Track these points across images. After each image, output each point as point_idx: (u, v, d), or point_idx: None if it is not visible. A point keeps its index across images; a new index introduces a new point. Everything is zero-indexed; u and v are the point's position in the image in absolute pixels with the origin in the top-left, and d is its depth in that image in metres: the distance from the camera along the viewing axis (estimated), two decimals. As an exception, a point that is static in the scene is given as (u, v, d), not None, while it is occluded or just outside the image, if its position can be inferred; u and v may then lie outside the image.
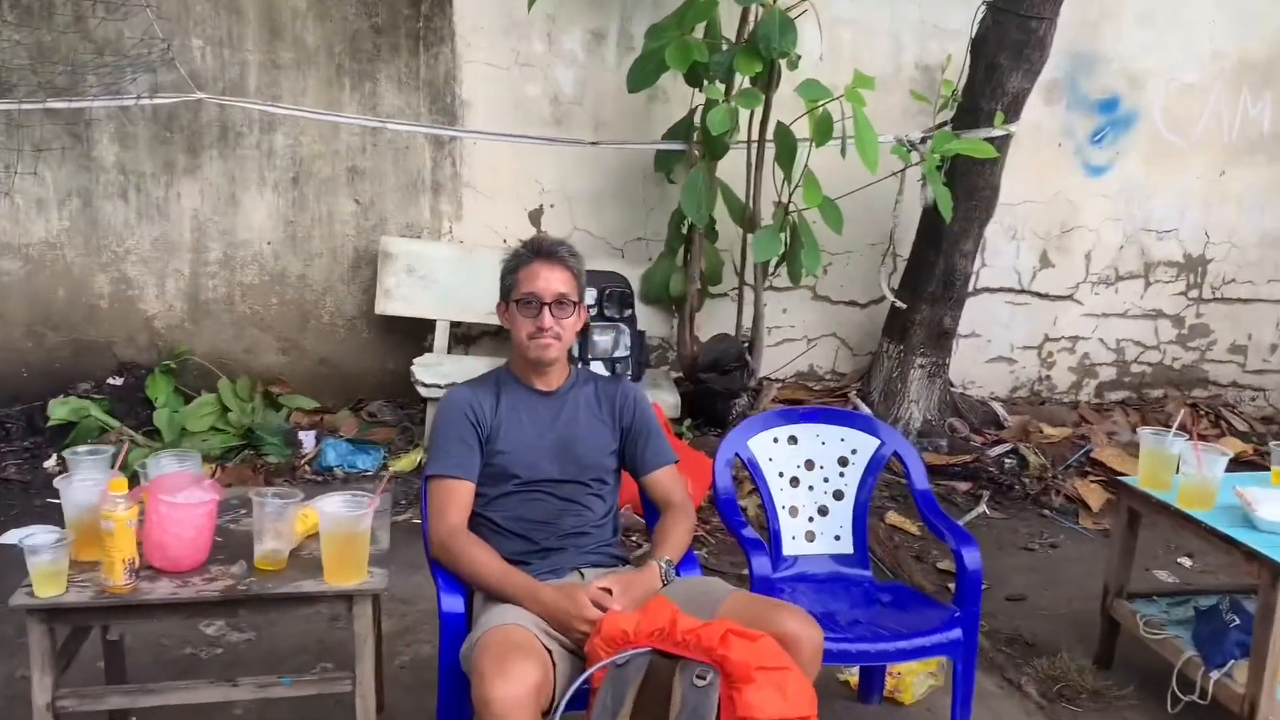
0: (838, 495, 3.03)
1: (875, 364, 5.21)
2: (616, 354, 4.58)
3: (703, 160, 4.56)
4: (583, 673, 2.18)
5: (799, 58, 4.28)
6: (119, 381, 4.79)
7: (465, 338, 5.10)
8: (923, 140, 4.69)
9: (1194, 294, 5.72)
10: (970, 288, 5.13)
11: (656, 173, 4.88)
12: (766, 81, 4.36)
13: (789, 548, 2.96)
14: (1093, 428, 5.39)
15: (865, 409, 5.10)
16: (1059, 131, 5.34)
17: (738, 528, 2.72)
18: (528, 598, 2.24)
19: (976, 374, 5.57)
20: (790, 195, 4.53)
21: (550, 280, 2.47)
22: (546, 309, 2.45)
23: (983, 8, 4.62)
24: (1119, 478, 3.28)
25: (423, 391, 4.51)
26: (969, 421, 5.26)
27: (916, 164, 4.59)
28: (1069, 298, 5.61)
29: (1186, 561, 4.20)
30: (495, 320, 4.89)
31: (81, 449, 2.47)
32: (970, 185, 4.73)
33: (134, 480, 2.46)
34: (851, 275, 5.32)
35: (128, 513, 2.12)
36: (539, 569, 2.40)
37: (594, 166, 5.01)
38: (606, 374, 2.63)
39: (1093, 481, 4.90)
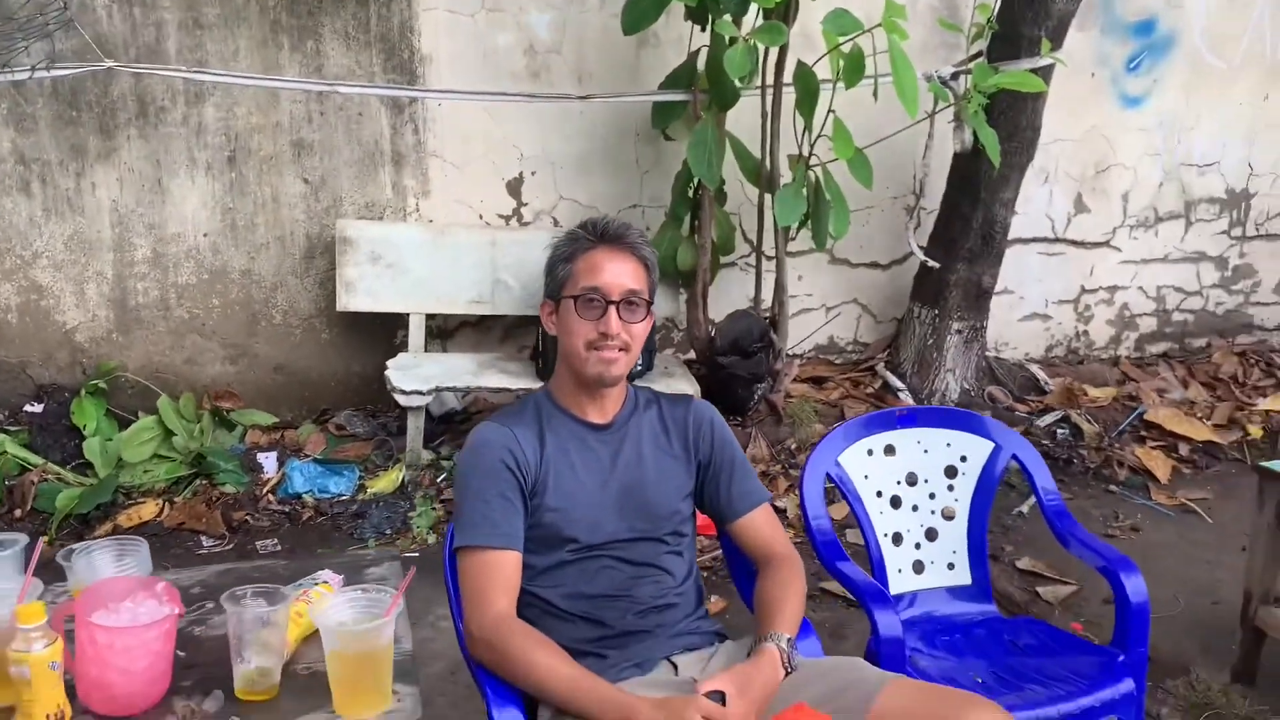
0: (948, 515, 2.47)
1: (904, 331, 4.65)
2: (623, 342, 3.96)
3: (708, 112, 3.93)
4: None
5: (822, -15, 3.66)
6: (38, 408, 4.07)
7: (442, 332, 4.44)
8: (954, 76, 4.11)
9: (1237, 232, 5.23)
10: (1003, 240, 4.58)
11: (653, 130, 4.24)
12: (784, 14, 3.74)
13: (895, 584, 2.39)
14: (1140, 386, 4.90)
15: (896, 381, 4.57)
16: (1092, 60, 4.79)
17: (851, 578, 2.15)
18: (615, 715, 1.64)
19: (1009, 334, 5.04)
20: (812, 147, 3.93)
21: (619, 273, 1.86)
22: (614, 309, 1.84)
23: (1018, -81, 4.04)
24: (1263, 465, 2.75)
25: (401, 400, 3.87)
26: (1009, 389, 4.74)
27: (951, 104, 4.01)
28: (1106, 244, 5.10)
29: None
30: (477, 310, 4.33)
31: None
32: (1011, 125, 4.17)
33: (56, 576, 1.84)
34: (871, 234, 4.74)
35: (48, 651, 1.50)
36: (617, 663, 1.81)
37: (579, 126, 4.35)
38: (671, 394, 2.06)
39: (1153, 447, 4.44)
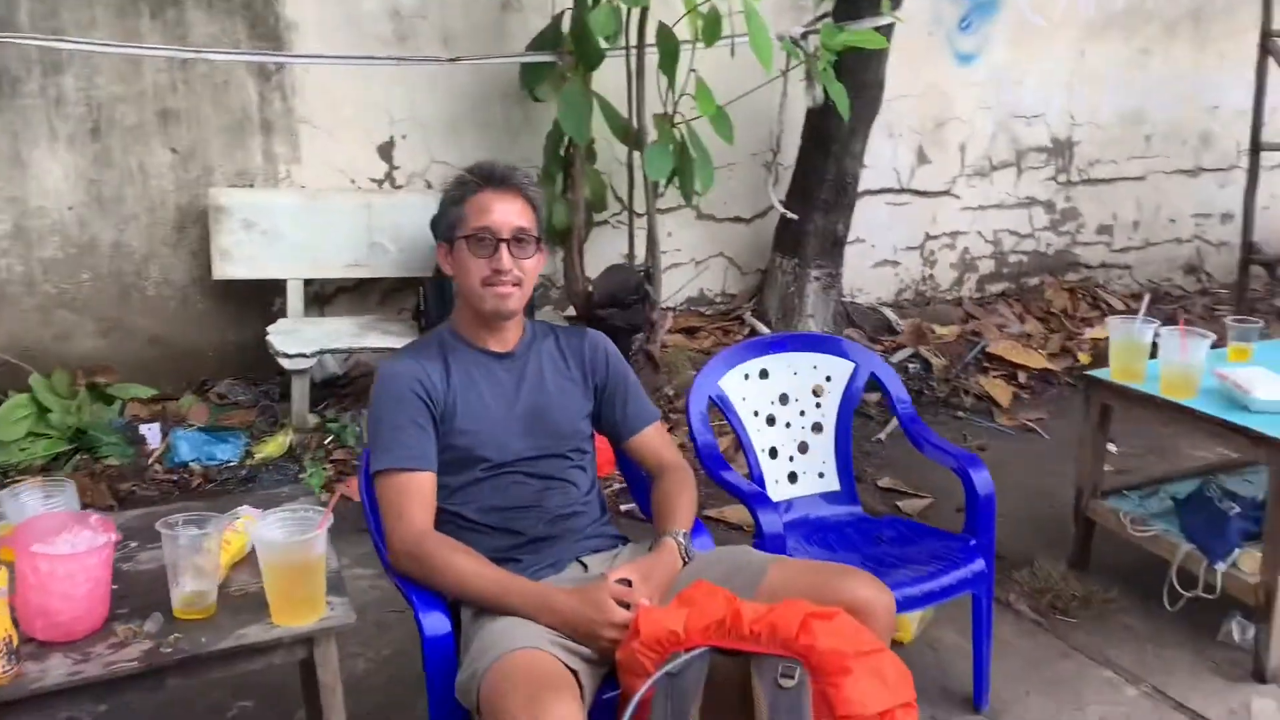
0: (816, 428, 2.72)
1: (768, 281, 4.93)
2: (504, 298, 4.10)
3: (575, 72, 4.08)
4: (607, 681, 1.81)
5: (677, -51, 3.85)
6: (-100, 392, 3.96)
7: (319, 298, 4.47)
8: (804, 36, 4.37)
9: (1063, 178, 5.71)
10: (853, 191, 4.90)
11: (521, 91, 4.37)
12: (642, -23, 3.91)
13: (774, 493, 2.62)
14: (981, 322, 5.33)
15: (762, 328, 4.84)
16: (928, 20, 5.14)
17: (734, 484, 2.37)
18: (538, 609, 1.82)
19: (862, 281, 5.39)
20: (675, 105, 4.13)
21: (507, 212, 2.01)
22: (504, 247, 1.99)
23: (856, -113, 4.31)
24: (1087, 373, 3.10)
25: (286, 364, 3.91)
26: (864, 330, 5.08)
27: (802, 63, 4.27)
28: (946, 193, 5.49)
29: (1111, 448, 4.14)
30: (355, 274, 4.40)
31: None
32: (858, 82, 4.45)
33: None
34: (734, 190, 4.98)
35: (-3, 576, 1.57)
36: (533, 565, 1.98)
37: (447, 89, 4.44)
38: (565, 324, 2.23)
39: (995, 377, 4.84)
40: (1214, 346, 2.84)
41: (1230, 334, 3.07)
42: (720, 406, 2.60)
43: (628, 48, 4.10)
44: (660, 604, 1.84)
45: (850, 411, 2.74)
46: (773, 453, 2.66)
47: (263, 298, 4.36)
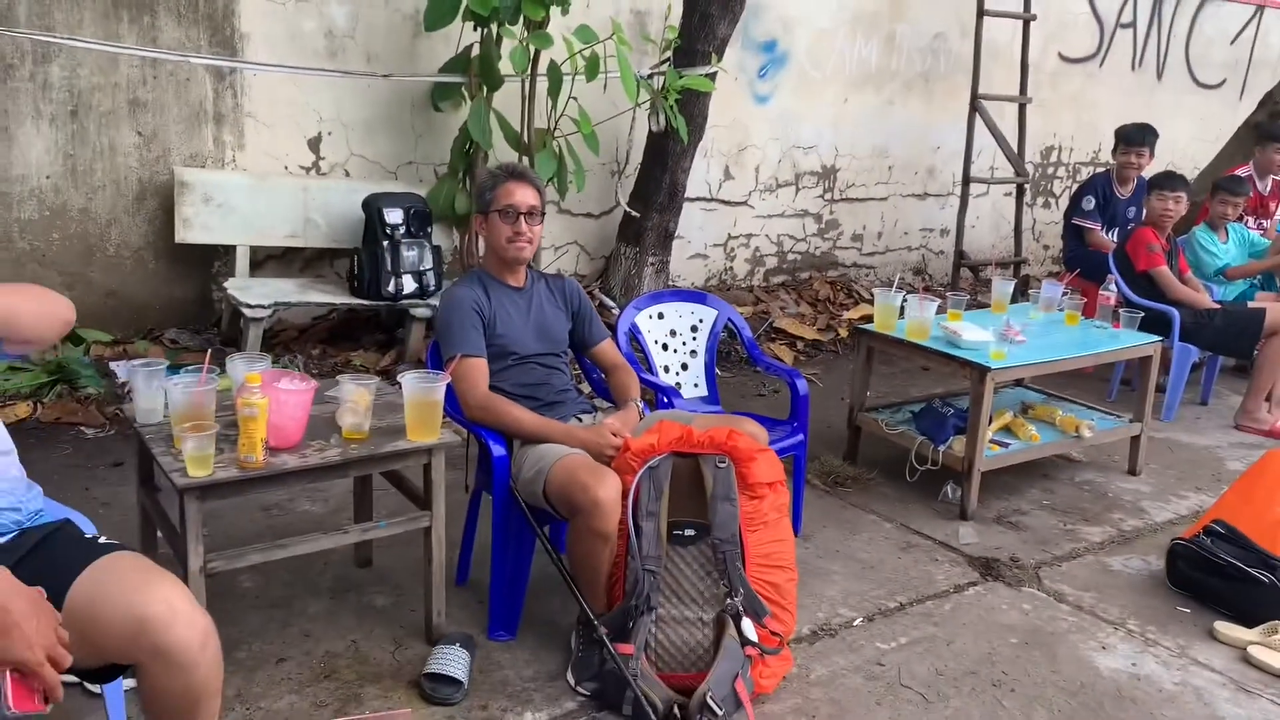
0: (693, 354, 4.03)
1: (613, 265, 6.21)
2: (423, 267, 5.16)
3: (480, 92, 5.21)
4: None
5: (569, 4, 5.07)
6: (-113, 329, 4.53)
7: (251, 263, 5.35)
8: (649, 77, 5.69)
9: (828, 196, 7.33)
10: (678, 198, 6.26)
11: (426, 103, 5.43)
12: (543, 24, 5.10)
13: (667, 396, 3.91)
14: (768, 305, 6.83)
15: (609, 302, 6.11)
16: (735, 68, 6.58)
17: (656, 382, 3.63)
18: (566, 437, 3.01)
19: (682, 269, 6.77)
20: (556, 123, 5.33)
21: (524, 195, 3.16)
22: (522, 217, 3.15)
23: (693, -33, 5.67)
24: (859, 325, 4.58)
25: (248, 313, 4.79)
26: (684, 307, 6.45)
27: (650, 98, 5.57)
28: (744, 203, 6.97)
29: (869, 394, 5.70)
30: (292, 243, 5.40)
31: (136, 362, 2.85)
32: (689, 113, 5.81)
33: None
34: (587, 192, 6.21)
35: (265, 400, 2.59)
36: (549, 418, 3.16)
37: (367, 97, 5.44)
38: (553, 274, 3.33)
39: (781, 344, 6.34)
40: (938, 312, 4.37)
41: (949, 303, 4.64)
42: (636, 336, 3.86)
43: (522, 77, 5.27)
44: (634, 437, 3.07)
45: (715, 344, 4.06)
46: (666, 369, 3.94)
47: (205, 260, 5.19)
